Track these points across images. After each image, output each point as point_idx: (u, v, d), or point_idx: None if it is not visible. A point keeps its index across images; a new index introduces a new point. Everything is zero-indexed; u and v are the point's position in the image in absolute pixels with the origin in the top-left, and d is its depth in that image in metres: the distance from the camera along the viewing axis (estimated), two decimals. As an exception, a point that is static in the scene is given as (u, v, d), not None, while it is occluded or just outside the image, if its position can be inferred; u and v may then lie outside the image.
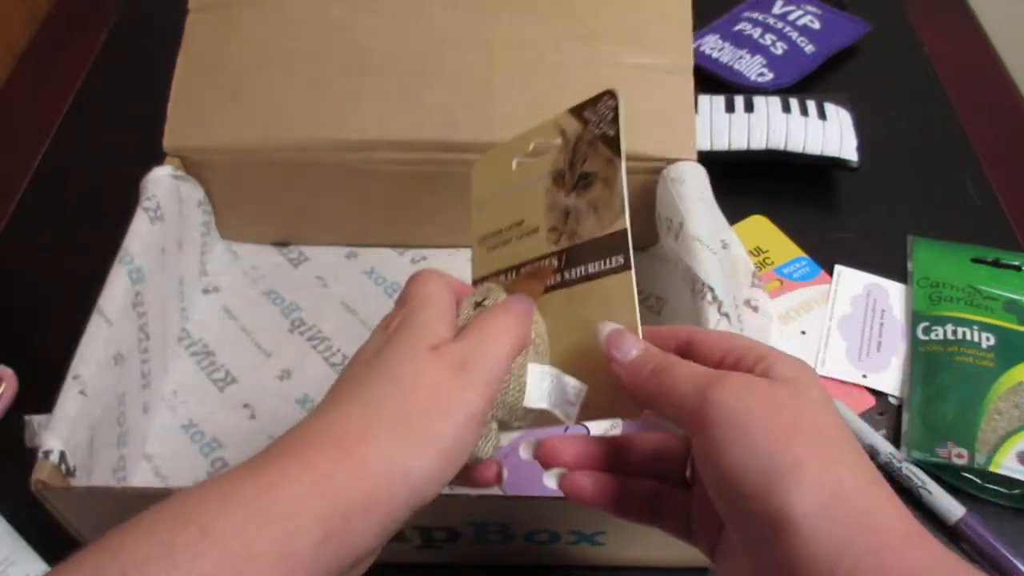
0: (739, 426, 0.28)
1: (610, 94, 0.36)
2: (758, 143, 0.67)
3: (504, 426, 0.35)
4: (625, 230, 0.35)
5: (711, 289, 0.49)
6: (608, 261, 0.36)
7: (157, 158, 0.57)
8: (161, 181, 0.55)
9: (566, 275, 0.37)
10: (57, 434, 0.43)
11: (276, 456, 0.28)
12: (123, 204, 0.55)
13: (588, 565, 0.48)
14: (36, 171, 0.71)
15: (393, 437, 0.28)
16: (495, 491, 0.39)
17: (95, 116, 0.76)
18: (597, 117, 0.37)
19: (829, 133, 0.66)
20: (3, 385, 0.56)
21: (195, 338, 0.58)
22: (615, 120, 0.36)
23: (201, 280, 0.61)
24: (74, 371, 0.45)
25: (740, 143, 0.67)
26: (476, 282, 0.41)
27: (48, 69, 0.82)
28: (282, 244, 0.64)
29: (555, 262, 0.37)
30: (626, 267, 0.35)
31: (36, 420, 0.44)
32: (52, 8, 0.89)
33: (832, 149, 0.66)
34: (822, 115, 0.67)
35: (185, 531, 0.25)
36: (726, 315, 0.48)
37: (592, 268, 0.37)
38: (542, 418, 0.35)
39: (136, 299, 0.50)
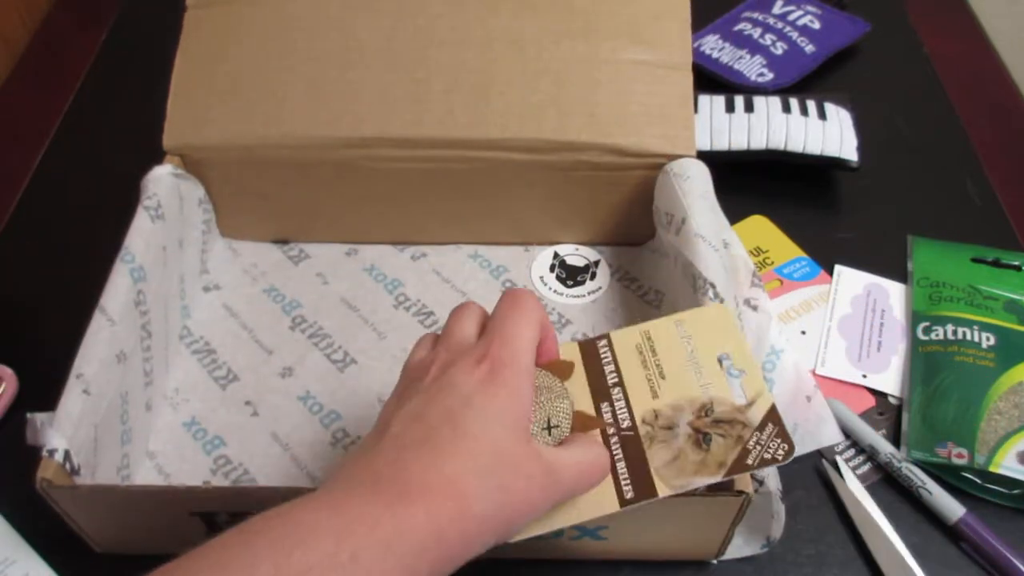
0: None
1: (790, 448, 0.38)
2: (758, 143, 0.67)
3: None
4: (656, 495, 0.39)
5: (712, 286, 0.49)
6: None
7: (157, 157, 0.58)
8: (162, 180, 0.55)
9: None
10: (61, 433, 0.43)
11: (396, 496, 0.31)
12: (123, 203, 0.55)
13: (590, 559, 0.48)
14: (36, 171, 0.71)
15: (491, 526, 0.32)
16: None
17: (95, 115, 0.76)
18: (763, 442, 0.39)
19: (829, 133, 0.66)
20: (3, 385, 0.56)
21: (196, 336, 0.58)
22: (763, 463, 0.39)
23: (202, 278, 0.62)
24: (77, 370, 0.45)
25: (740, 143, 0.67)
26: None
27: (48, 69, 0.82)
28: (282, 242, 0.64)
29: (613, 430, 0.40)
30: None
31: (39, 418, 0.44)
32: (52, 8, 0.89)
33: (832, 149, 0.66)
34: (822, 115, 0.67)
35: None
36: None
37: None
38: None
39: (138, 297, 0.50)
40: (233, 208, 0.62)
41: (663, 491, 0.38)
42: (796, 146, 0.66)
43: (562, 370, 0.42)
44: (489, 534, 0.32)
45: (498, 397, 0.34)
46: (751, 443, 0.39)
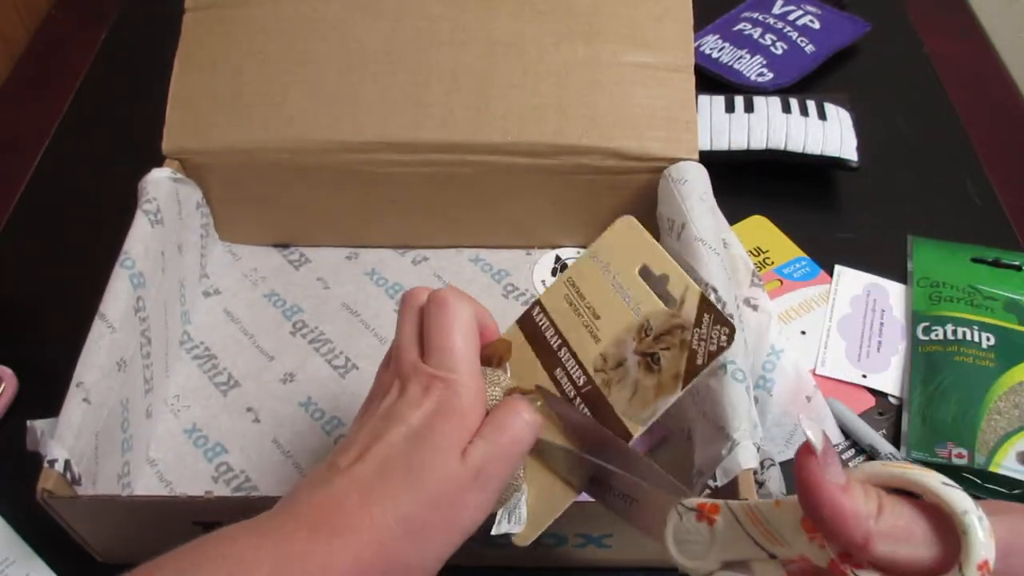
0: None
1: (731, 330, 0.38)
2: (758, 143, 0.67)
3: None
4: (631, 436, 0.39)
5: (714, 290, 0.49)
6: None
7: (156, 158, 0.57)
8: (160, 183, 0.55)
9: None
10: (62, 443, 0.43)
11: (330, 534, 0.32)
12: (122, 204, 0.55)
13: (595, 567, 0.48)
14: (36, 171, 0.71)
15: (413, 542, 0.33)
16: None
17: (95, 116, 0.76)
18: (705, 335, 0.39)
19: (829, 133, 0.66)
20: (3, 385, 0.56)
21: (196, 341, 0.58)
22: (711, 356, 0.38)
23: (201, 283, 0.61)
24: (78, 378, 0.45)
25: (740, 143, 0.67)
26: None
27: (48, 69, 0.82)
28: (282, 246, 0.64)
29: (572, 391, 0.41)
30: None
31: (39, 426, 0.44)
32: (52, 8, 0.89)
33: (832, 149, 0.66)
34: (822, 115, 0.67)
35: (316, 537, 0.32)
36: (730, 316, 0.48)
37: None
38: None
39: (138, 304, 0.50)
40: (232, 212, 0.62)
41: (635, 430, 0.38)
42: (796, 146, 0.66)
43: (501, 350, 0.41)
44: (417, 570, 0.34)
45: (445, 427, 0.35)
46: (695, 342, 0.38)
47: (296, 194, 0.60)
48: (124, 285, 0.50)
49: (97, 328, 0.47)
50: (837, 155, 0.66)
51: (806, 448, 0.28)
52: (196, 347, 0.58)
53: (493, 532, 0.38)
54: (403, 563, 0.33)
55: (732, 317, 0.48)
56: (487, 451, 0.35)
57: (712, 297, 0.49)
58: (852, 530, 0.27)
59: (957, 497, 0.27)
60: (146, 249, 0.52)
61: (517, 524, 0.38)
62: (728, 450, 0.43)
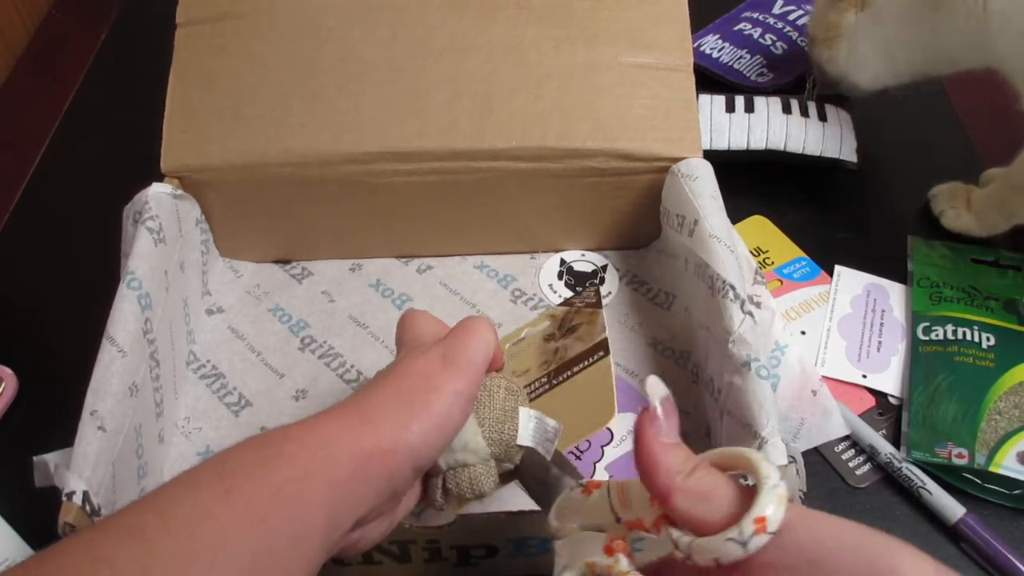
0: None
1: (595, 287, 0.46)
2: (758, 143, 0.67)
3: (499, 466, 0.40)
4: (607, 337, 0.43)
5: (732, 287, 0.49)
6: (591, 358, 0.44)
7: (156, 159, 0.57)
8: (162, 200, 0.54)
9: (553, 381, 0.44)
10: (79, 474, 0.42)
11: (317, 420, 0.35)
12: (122, 204, 0.55)
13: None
14: (36, 171, 0.72)
15: (396, 408, 0.36)
16: (533, 506, 0.41)
17: (95, 116, 0.76)
18: (583, 298, 0.47)
19: (829, 134, 0.66)
20: (3, 385, 0.56)
21: (203, 361, 0.57)
22: (598, 292, 0.47)
23: (204, 301, 0.60)
24: (90, 406, 0.44)
25: (740, 143, 0.67)
26: None
27: (48, 69, 0.82)
28: (283, 261, 0.63)
29: (544, 378, 0.46)
30: (606, 354, 0.44)
31: (49, 460, 0.43)
32: (52, 8, 0.89)
33: (832, 150, 0.66)
34: (823, 116, 0.68)
35: (268, 451, 0.33)
36: (749, 313, 0.48)
37: (576, 369, 0.45)
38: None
39: (146, 326, 0.49)
40: (233, 228, 0.61)
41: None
42: (796, 146, 0.66)
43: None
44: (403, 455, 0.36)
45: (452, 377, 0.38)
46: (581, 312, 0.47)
47: (298, 207, 0.59)
48: (132, 307, 0.48)
49: (107, 352, 0.46)
50: (837, 156, 0.66)
51: (646, 408, 0.31)
52: (203, 366, 0.57)
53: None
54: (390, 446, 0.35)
55: (751, 315, 0.48)
56: (447, 344, 0.39)
57: (730, 295, 0.49)
58: (660, 481, 0.30)
59: (769, 468, 0.29)
60: (151, 268, 0.51)
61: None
62: (757, 448, 0.43)
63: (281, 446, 0.33)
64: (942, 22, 0.56)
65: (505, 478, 0.41)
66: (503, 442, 0.39)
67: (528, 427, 0.40)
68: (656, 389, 0.32)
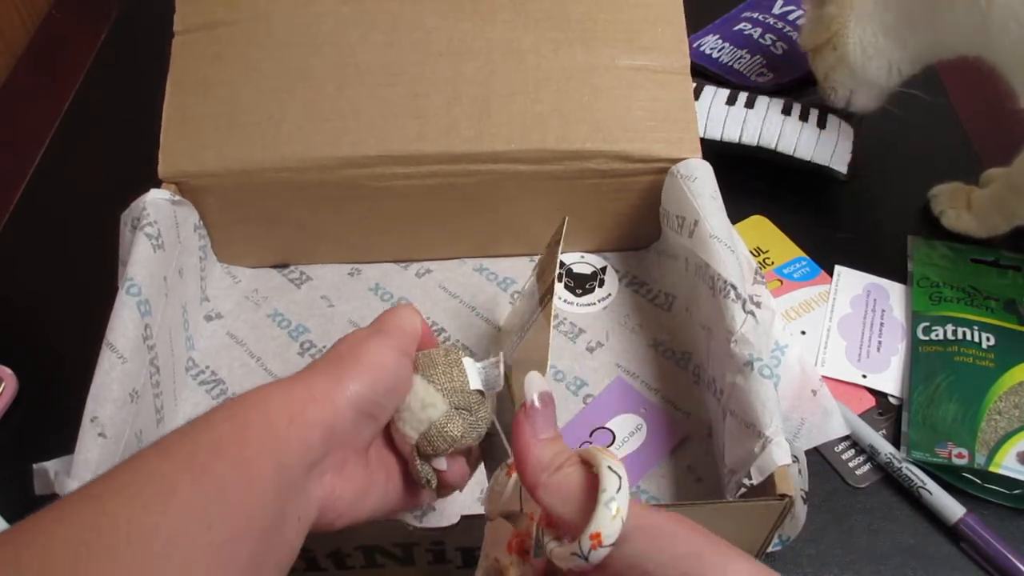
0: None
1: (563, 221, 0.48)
2: (750, 139, 0.67)
3: (466, 420, 0.41)
4: (553, 281, 0.45)
5: (733, 287, 0.49)
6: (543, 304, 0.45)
7: (155, 159, 0.57)
8: (160, 206, 0.54)
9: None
10: (80, 481, 0.42)
11: (258, 387, 0.37)
12: (121, 205, 0.55)
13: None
14: (36, 171, 0.72)
15: (328, 366, 0.38)
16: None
17: (95, 116, 0.76)
18: (552, 239, 0.48)
19: (823, 141, 0.66)
20: (3, 385, 0.56)
21: (202, 367, 0.57)
22: (559, 229, 0.48)
23: (203, 306, 0.60)
24: (91, 413, 0.44)
25: (732, 135, 0.67)
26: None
27: (48, 69, 0.82)
28: (281, 266, 0.63)
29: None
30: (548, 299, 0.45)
31: (49, 467, 0.43)
32: (52, 8, 0.89)
33: (822, 157, 0.66)
34: (822, 123, 0.67)
35: (213, 414, 0.35)
36: (751, 313, 0.48)
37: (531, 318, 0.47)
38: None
39: (146, 332, 0.49)
40: (231, 233, 0.61)
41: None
42: (787, 148, 0.66)
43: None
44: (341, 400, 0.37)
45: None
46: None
47: (296, 212, 0.59)
48: (132, 314, 0.48)
49: (107, 359, 0.46)
50: (827, 164, 0.66)
51: (526, 404, 0.32)
52: (202, 372, 0.57)
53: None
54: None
55: (752, 314, 0.48)
56: (378, 319, 0.41)
57: (731, 295, 0.49)
58: (528, 474, 0.31)
59: (609, 479, 0.29)
60: (150, 274, 0.51)
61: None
62: (761, 448, 0.43)
63: (223, 407, 0.35)
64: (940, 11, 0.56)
65: (485, 441, 0.42)
66: (456, 389, 0.40)
67: (475, 374, 0.41)
68: (534, 384, 0.33)
